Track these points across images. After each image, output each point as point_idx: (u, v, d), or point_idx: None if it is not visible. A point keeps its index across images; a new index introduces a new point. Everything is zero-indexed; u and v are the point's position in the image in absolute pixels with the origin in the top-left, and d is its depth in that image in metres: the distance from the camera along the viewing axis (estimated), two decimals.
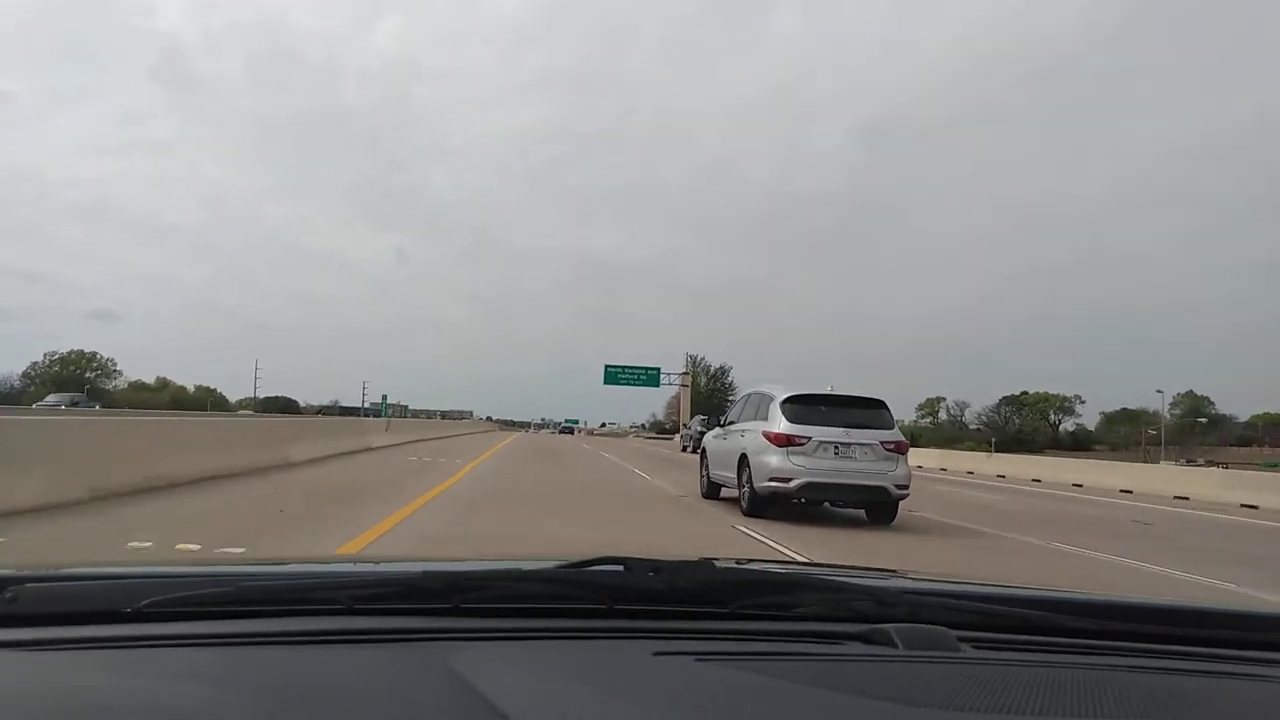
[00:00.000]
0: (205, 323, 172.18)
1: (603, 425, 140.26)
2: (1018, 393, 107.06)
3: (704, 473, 13.69)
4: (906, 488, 10.73)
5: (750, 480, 10.93)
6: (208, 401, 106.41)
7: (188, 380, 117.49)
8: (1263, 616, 1.31)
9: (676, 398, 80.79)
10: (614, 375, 67.35)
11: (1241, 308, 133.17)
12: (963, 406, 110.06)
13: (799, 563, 2.41)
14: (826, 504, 11.27)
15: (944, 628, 1.05)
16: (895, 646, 1.00)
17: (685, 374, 75.63)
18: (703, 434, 40.05)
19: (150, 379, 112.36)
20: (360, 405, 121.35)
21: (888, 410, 11.22)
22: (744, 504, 11.12)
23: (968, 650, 1.03)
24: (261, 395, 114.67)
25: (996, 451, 48.75)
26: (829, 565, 1.72)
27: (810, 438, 10.52)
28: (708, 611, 1.07)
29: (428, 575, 1.14)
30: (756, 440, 10.96)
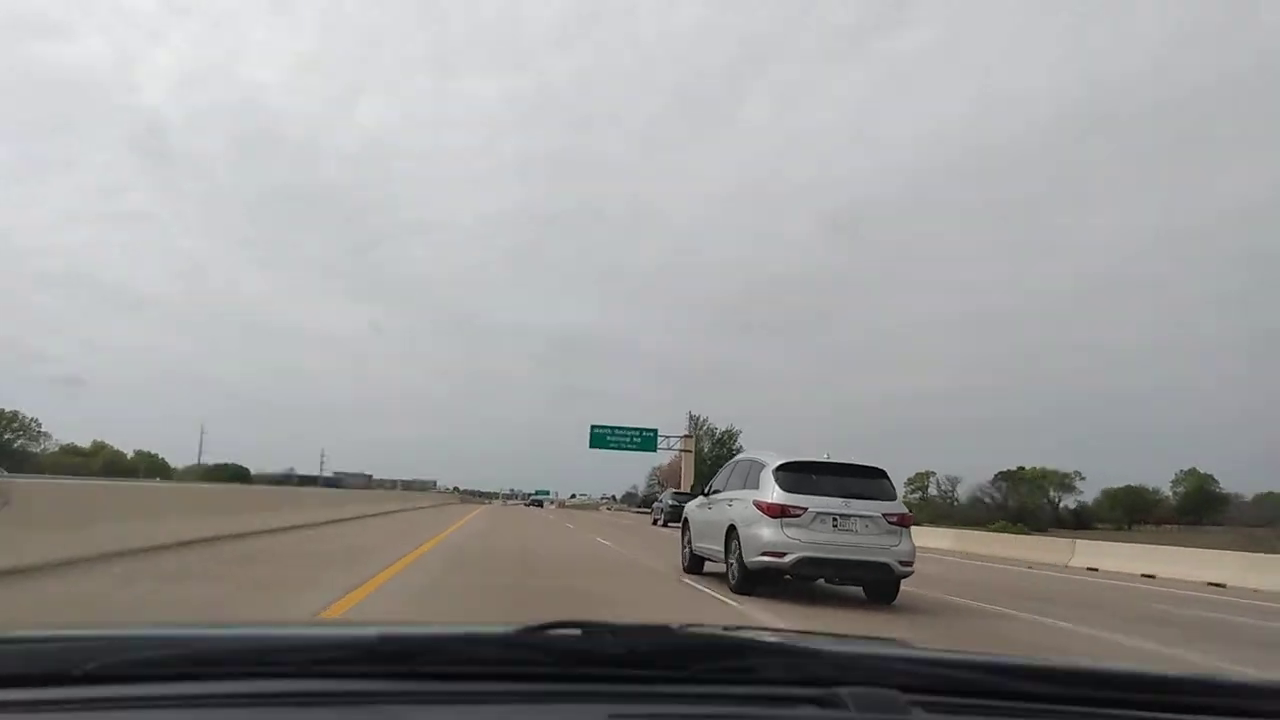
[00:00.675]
0: (172, 392, 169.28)
1: (573, 496, 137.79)
2: (1013, 468, 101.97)
3: (686, 545, 12.71)
4: (910, 564, 9.79)
5: (739, 554, 9.96)
6: (141, 468, 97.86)
7: (134, 445, 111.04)
8: (1215, 683, 1.28)
9: (671, 464, 70.78)
10: (602, 438, 57.16)
11: (1226, 388, 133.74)
12: (954, 481, 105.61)
13: (756, 628, 2.31)
14: (822, 581, 10.33)
15: (895, 691, 1.06)
16: (848, 710, 1.01)
17: (687, 437, 64.42)
18: (677, 506, 41.11)
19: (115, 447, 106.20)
20: (318, 474, 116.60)
21: (889, 480, 10.34)
22: (732, 580, 10.14)
23: (918, 713, 1.03)
24: (210, 462, 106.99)
25: (1002, 530, 45.86)
26: (786, 630, 1.65)
27: (806, 508, 9.61)
28: (665, 675, 1.07)
29: (384, 639, 1.10)
30: (747, 510, 10.04)
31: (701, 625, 1.41)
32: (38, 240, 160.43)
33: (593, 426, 57.57)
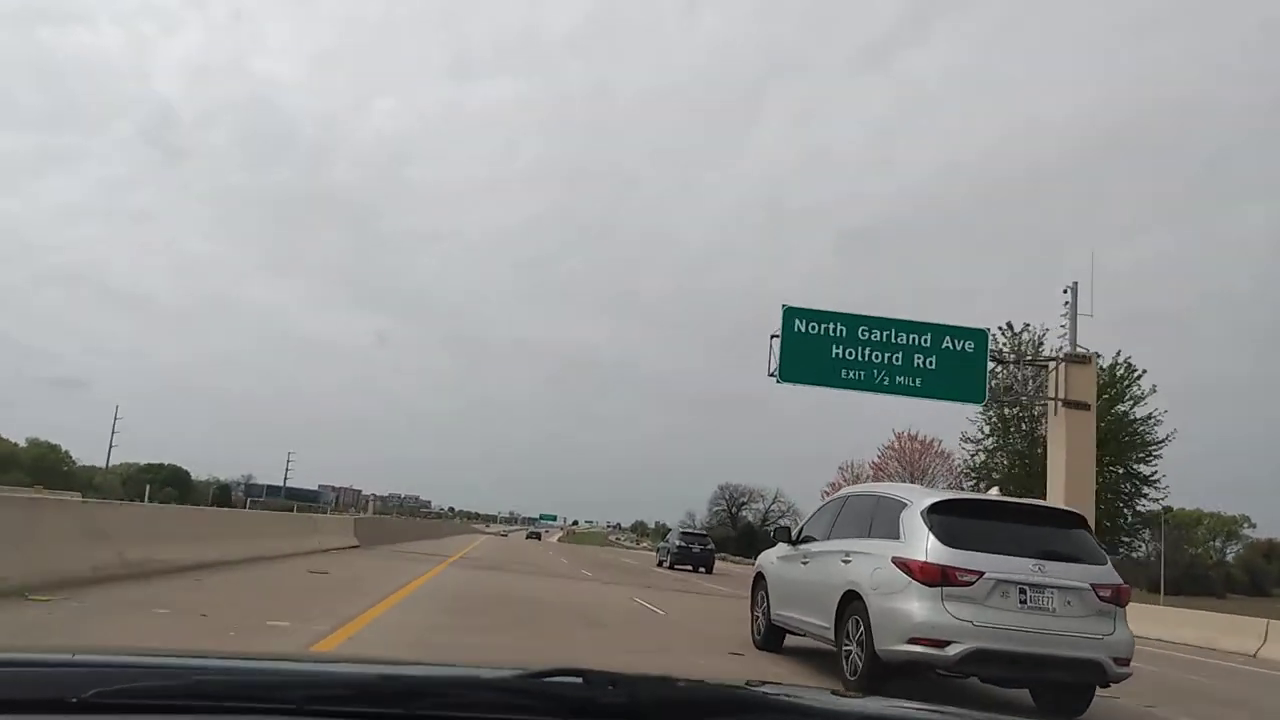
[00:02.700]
0: (164, 396, 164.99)
1: (575, 524, 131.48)
2: (1159, 508, 59.16)
3: (759, 610, 9.42)
4: (1128, 663, 6.54)
5: (866, 636, 6.70)
6: (23, 462, 73.05)
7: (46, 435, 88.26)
8: None
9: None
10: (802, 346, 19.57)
11: None
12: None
13: (765, 682, 1.40)
14: (976, 679, 7.02)
15: None
16: None
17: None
18: (685, 548, 35.20)
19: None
20: (281, 484, 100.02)
21: (1090, 531, 7.11)
22: (851, 672, 6.87)
23: None
24: (143, 460, 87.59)
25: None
26: (788, 685, 1.47)
27: (981, 573, 6.35)
28: None
29: (383, 679, 1.13)
30: (879, 571, 6.77)
31: (705, 679, 1.36)
32: (46, 236, 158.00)
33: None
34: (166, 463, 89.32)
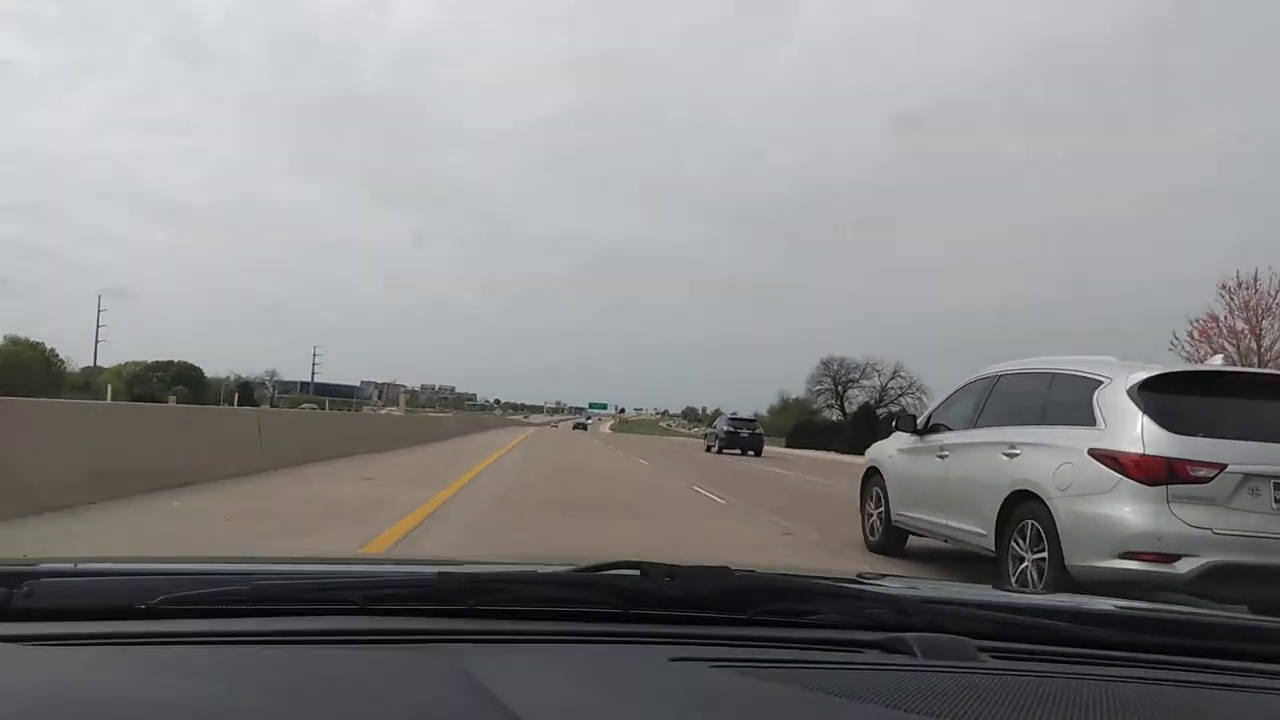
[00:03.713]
0: (201, 300, 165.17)
1: (622, 411, 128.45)
2: None
3: (870, 508, 8.06)
4: None
5: (1053, 548, 5.26)
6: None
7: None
8: None
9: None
10: None
11: None
12: None
13: (820, 572, 1.50)
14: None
15: (964, 637, 1.01)
16: (914, 655, 0.96)
17: None
18: (733, 432, 34.71)
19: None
20: (309, 380, 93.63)
21: None
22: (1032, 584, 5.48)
23: (987, 660, 0.98)
24: (149, 359, 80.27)
25: None
26: (845, 576, 1.43)
27: (1224, 465, 4.83)
28: (724, 618, 1.04)
29: (442, 577, 1.09)
30: (1069, 465, 5.27)
31: (762, 568, 1.35)
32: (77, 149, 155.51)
33: None
34: (176, 360, 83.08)
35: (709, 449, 36.69)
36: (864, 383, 70.99)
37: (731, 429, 35.82)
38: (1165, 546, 4.81)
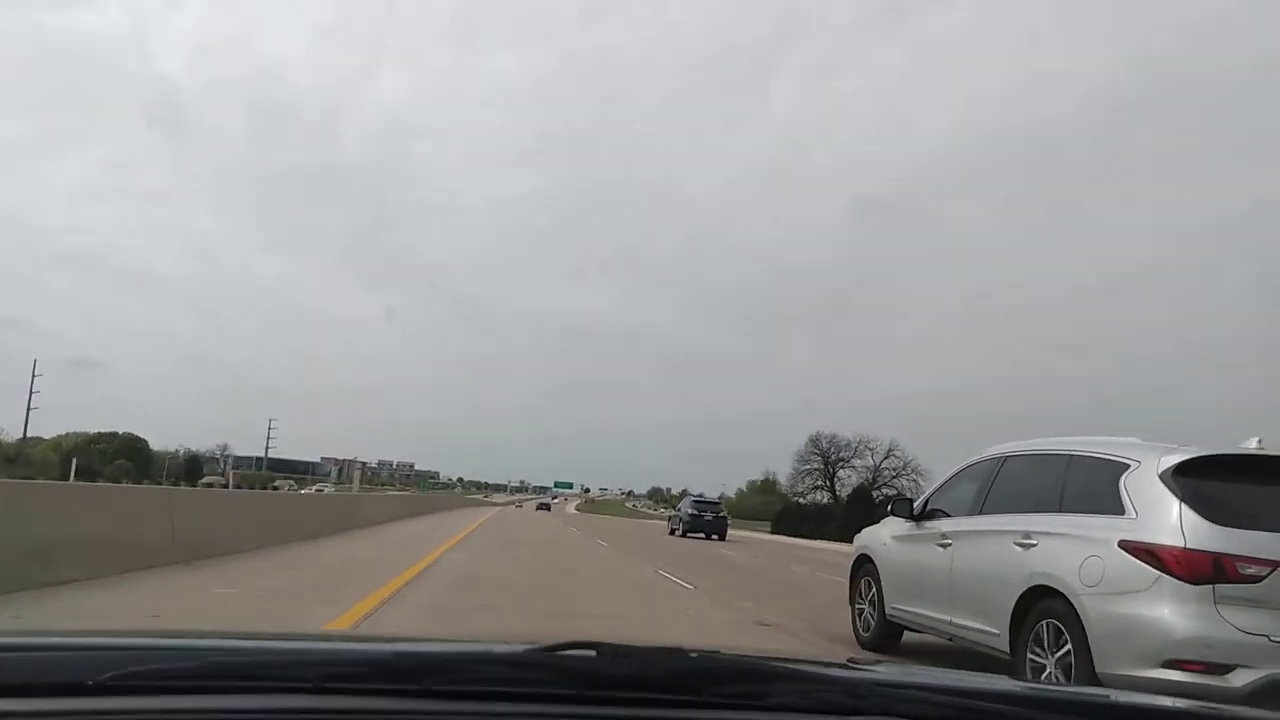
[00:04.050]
0: (180, 373, 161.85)
1: (587, 491, 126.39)
2: None
3: (861, 601, 7.40)
4: None
5: (1079, 654, 4.64)
6: None
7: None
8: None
9: None
10: None
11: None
12: None
13: (774, 654, 1.45)
14: None
15: None
16: None
17: None
18: (698, 516, 32.79)
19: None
20: (263, 454, 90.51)
21: None
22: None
23: None
24: (92, 429, 75.53)
25: None
26: (801, 659, 1.43)
27: (1277, 562, 4.29)
28: (679, 700, 1.01)
29: (398, 656, 1.11)
30: (1097, 559, 4.68)
31: (718, 649, 1.32)
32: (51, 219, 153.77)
33: None
34: (121, 431, 79.15)
35: (672, 532, 34.98)
36: (855, 462, 66.22)
37: (695, 512, 34.30)
38: (1216, 655, 4.22)
